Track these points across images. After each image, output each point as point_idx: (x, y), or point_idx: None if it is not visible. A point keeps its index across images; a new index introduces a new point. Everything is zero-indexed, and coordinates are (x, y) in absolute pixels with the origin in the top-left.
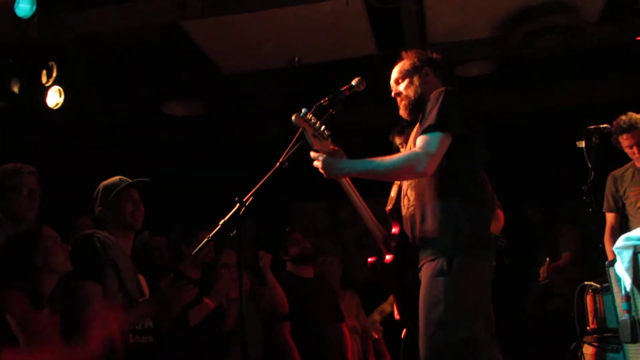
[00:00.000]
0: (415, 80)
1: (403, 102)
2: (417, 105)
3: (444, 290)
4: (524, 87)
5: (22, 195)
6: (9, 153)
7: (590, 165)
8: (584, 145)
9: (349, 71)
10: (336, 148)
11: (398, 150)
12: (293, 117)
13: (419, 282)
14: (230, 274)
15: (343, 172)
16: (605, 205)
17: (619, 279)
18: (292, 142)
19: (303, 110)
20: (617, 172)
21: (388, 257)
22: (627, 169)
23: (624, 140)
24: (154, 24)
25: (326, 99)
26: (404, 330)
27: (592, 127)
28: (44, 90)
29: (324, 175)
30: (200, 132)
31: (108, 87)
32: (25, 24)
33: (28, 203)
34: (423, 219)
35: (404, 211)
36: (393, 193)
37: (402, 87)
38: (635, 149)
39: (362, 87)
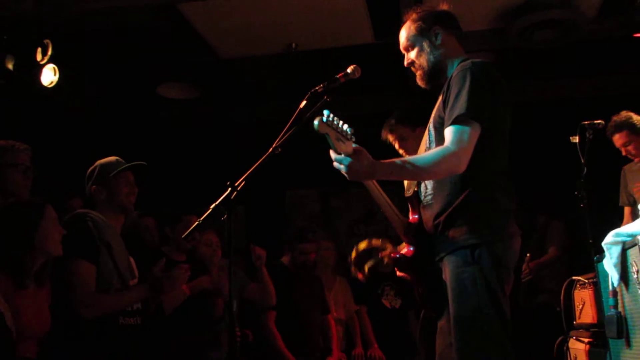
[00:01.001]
0: (426, 45)
1: (418, 72)
2: (434, 74)
3: (472, 282)
4: (521, 79)
5: (18, 172)
6: (0, 130)
7: (583, 161)
8: (577, 141)
9: (346, 59)
10: (360, 148)
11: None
12: (316, 122)
13: (440, 273)
14: (212, 251)
15: (370, 177)
16: (620, 200)
17: (607, 275)
18: (286, 127)
19: (325, 113)
20: (627, 167)
21: (409, 250)
22: (637, 164)
23: (616, 141)
24: (152, 3)
25: (321, 85)
26: (422, 312)
27: (586, 122)
28: (39, 68)
29: (347, 179)
30: (194, 115)
31: (103, 67)
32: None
33: (23, 180)
34: (442, 209)
35: (422, 198)
36: None
37: (413, 55)
38: (624, 150)
39: (357, 75)
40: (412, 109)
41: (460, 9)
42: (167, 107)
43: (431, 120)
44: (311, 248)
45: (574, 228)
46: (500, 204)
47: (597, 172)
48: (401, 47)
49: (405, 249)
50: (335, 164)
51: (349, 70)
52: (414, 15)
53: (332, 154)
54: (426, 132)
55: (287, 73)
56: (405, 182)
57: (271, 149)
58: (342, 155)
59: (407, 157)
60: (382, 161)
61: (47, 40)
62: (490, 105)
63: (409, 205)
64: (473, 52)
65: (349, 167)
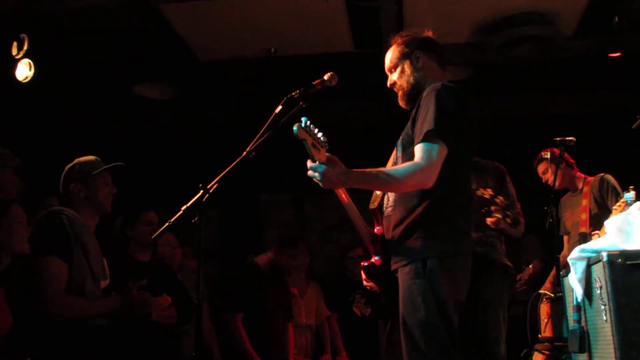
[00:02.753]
0: (407, 67)
1: (399, 93)
2: (413, 94)
3: (422, 293)
4: (498, 93)
5: (8, 171)
6: None
7: (554, 176)
8: (549, 156)
9: (324, 66)
10: (333, 157)
11: None
12: (295, 128)
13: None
14: (171, 250)
15: (343, 184)
16: (560, 229)
17: (571, 290)
18: (261, 131)
19: (303, 119)
20: (562, 198)
21: (377, 259)
22: (570, 196)
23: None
24: (132, 2)
25: (297, 91)
26: (389, 324)
27: (558, 138)
28: (14, 62)
29: (321, 186)
30: (170, 115)
31: (80, 64)
32: None
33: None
34: (399, 221)
35: (384, 209)
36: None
37: (395, 77)
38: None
39: (334, 83)
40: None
41: (439, 22)
42: (143, 107)
43: (400, 137)
44: (297, 253)
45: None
46: (456, 222)
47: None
48: (386, 69)
49: (374, 258)
50: (310, 172)
51: (325, 77)
52: (399, 40)
53: (308, 162)
54: (395, 149)
55: (264, 77)
56: (373, 195)
57: (245, 152)
58: (317, 163)
59: (381, 169)
60: (356, 170)
61: (23, 35)
62: (454, 128)
63: (373, 217)
64: (452, 65)
65: (323, 175)
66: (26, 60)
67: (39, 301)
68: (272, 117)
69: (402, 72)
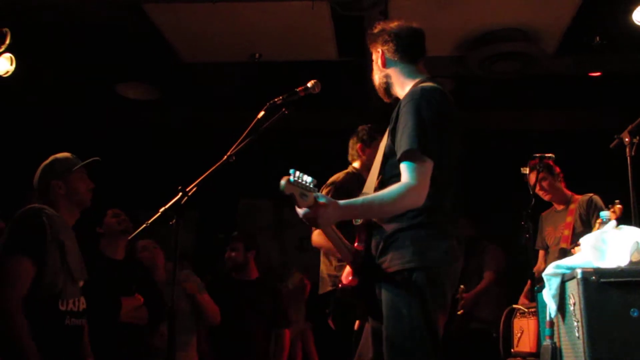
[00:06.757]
0: (379, 62)
1: (374, 82)
2: (386, 91)
3: (407, 304)
4: (478, 108)
5: None
6: None
7: (531, 192)
8: (527, 172)
9: (307, 73)
10: (322, 203)
11: None
12: (282, 183)
13: (379, 293)
14: (151, 254)
15: (337, 220)
16: (536, 243)
17: (545, 305)
18: (242, 136)
19: (291, 172)
20: (544, 213)
21: (352, 279)
22: (553, 212)
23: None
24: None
25: (280, 97)
26: (357, 322)
27: (537, 155)
28: None
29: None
30: (151, 116)
31: (63, 61)
32: None
33: None
34: (382, 234)
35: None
36: None
37: (374, 66)
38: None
39: (317, 90)
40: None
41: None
42: (125, 106)
43: (383, 146)
44: (239, 245)
45: (515, 256)
46: (443, 231)
47: (546, 204)
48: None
49: (350, 278)
50: (301, 216)
51: (309, 84)
52: (374, 36)
53: (297, 210)
54: (378, 156)
55: (248, 82)
56: None
57: (226, 156)
58: (304, 210)
59: (371, 196)
60: (347, 204)
61: (5, 29)
62: (436, 139)
63: (357, 233)
64: (433, 78)
65: (306, 219)
66: (7, 55)
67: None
68: (254, 122)
69: (376, 68)
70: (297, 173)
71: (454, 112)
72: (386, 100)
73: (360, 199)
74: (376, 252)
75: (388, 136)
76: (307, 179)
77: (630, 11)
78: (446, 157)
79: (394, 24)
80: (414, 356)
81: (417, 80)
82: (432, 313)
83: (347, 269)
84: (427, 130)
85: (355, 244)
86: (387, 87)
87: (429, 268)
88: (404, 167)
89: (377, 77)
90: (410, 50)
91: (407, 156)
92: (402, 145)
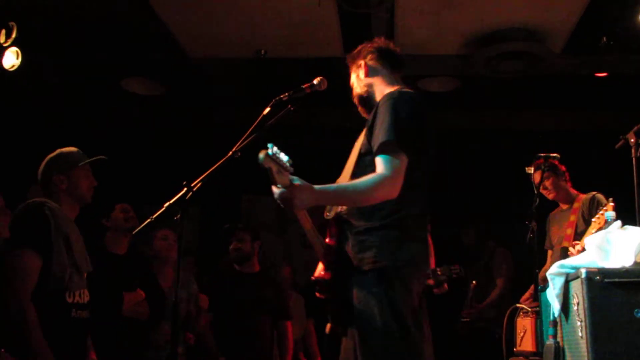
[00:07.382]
0: (355, 78)
1: (355, 99)
2: (365, 101)
3: (378, 302)
4: (482, 107)
5: None
6: None
7: (536, 192)
8: (532, 172)
9: (313, 70)
10: (297, 184)
11: None
12: (261, 155)
13: (351, 292)
14: (167, 245)
15: (309, 205)
16: (545, 243)
17: (548, 304)
18: (248, 132)
19: (269, 146)
20: (551, 214)
21: (327, 273)
22: (559, 212)
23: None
24: None
25: (286, 94)
26: (328, 325)
27: (542, 154)
28: (2, 50)
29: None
30: (156, 112)
31: (69, 54)
32: None
33: None
34: (352, 231)
35: (341, 218)
36: None
37: (354, 81)
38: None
39: (323, 87)
40: None
41: (429, 33)
42: (130, 102)
43: (358, 145)
44: (244, 235)
45: (519, 255)
46: (412, 231)
47: (550, 203)
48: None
49: (323, 272)
50: (276, 196)
51: (315, 81)
52: (358, 48)
53: (273, 188)
54: (353, 155)
55: (253, 78)
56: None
57: (231, 152)
58: (279, 188)
59: (345, 183)
60: (322, 189)
61: (12, 23)
62: (412, 136)
63: (328, 227)
64: (439, 77)
65: (281, 199)
66: (14, 49)
67: (3, 293)
68: (259, 118)
69: (358, 78)
70: (275, 148)
71: (429, 116)
72: (365, 115)
73: (334, 185)
74: (347, 249)
75: (365, 135)
76: (284, 157)
77: (638, 12)
78: (420, 159)
79: (378, 43)
80: (388, 352)
81: (397, 87)
82: (403, 311)
83: (320, 264)
84: (404, 126)
85: (327, 239)
86: (369, 96)
87: (398, 268)
88: (380, 160)
89: (359, 89)
90: (390, 59)
91: (383, 149)
92: (379, 138)
